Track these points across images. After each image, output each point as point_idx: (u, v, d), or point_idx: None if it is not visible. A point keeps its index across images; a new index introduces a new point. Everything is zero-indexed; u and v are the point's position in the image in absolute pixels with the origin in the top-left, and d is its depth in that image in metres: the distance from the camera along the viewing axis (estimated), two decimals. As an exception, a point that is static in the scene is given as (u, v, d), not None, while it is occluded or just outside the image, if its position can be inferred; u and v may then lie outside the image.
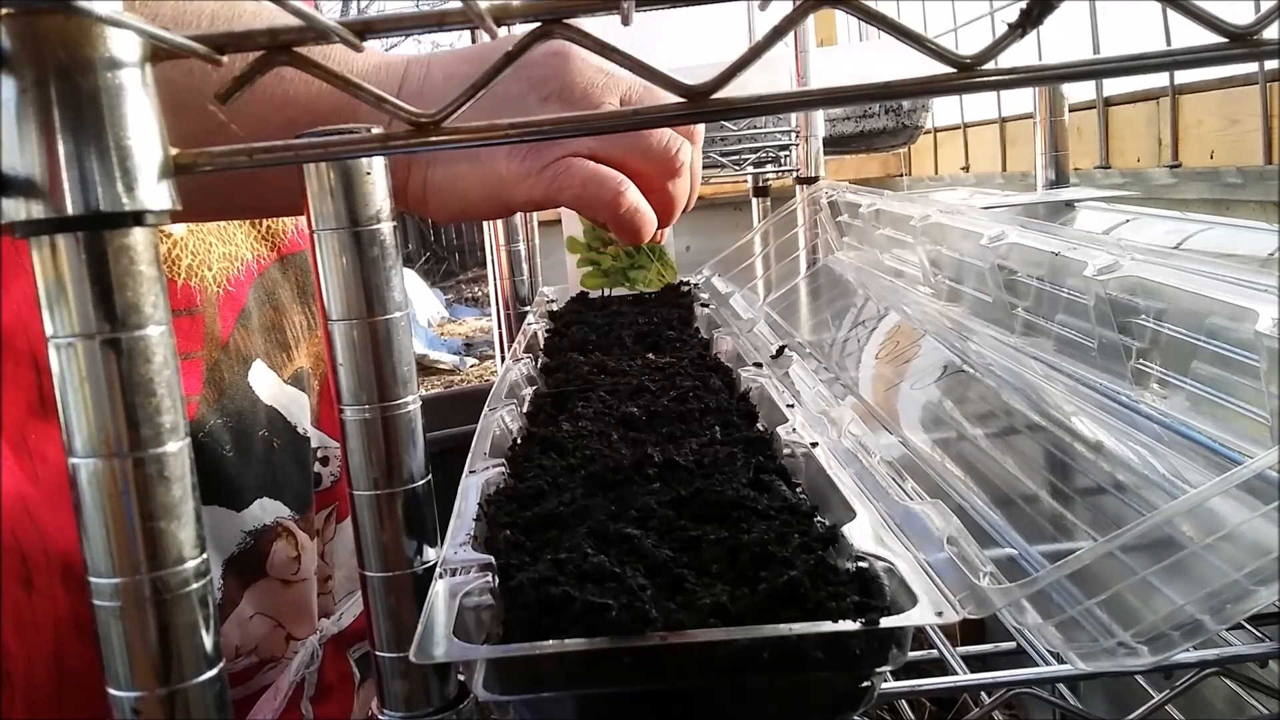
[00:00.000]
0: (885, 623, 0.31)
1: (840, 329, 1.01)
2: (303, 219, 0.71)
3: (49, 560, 0.52)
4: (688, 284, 1.00)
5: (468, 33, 1.02)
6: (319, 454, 0.72)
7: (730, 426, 0.53)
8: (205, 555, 0.27)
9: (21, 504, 0.52)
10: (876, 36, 1.97)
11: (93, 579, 0.26)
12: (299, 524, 0.67)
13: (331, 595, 0.74)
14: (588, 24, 0.26)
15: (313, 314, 0.73)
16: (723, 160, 1.44)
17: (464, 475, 0.46)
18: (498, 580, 0.36)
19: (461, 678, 0.37)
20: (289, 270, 0.71)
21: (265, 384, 0.66)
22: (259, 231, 0.68)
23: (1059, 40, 1.48)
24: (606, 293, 0.99)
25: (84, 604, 0.54)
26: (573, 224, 0.99)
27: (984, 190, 1.66)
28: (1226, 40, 0.25)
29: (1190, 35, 0.25)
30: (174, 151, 0.26)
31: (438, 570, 0.36)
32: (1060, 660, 0.38)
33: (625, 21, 0.27)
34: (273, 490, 0.65)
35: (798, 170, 1.30)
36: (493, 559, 0.36)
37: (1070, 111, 1.27)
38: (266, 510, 0.65)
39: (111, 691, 0.27)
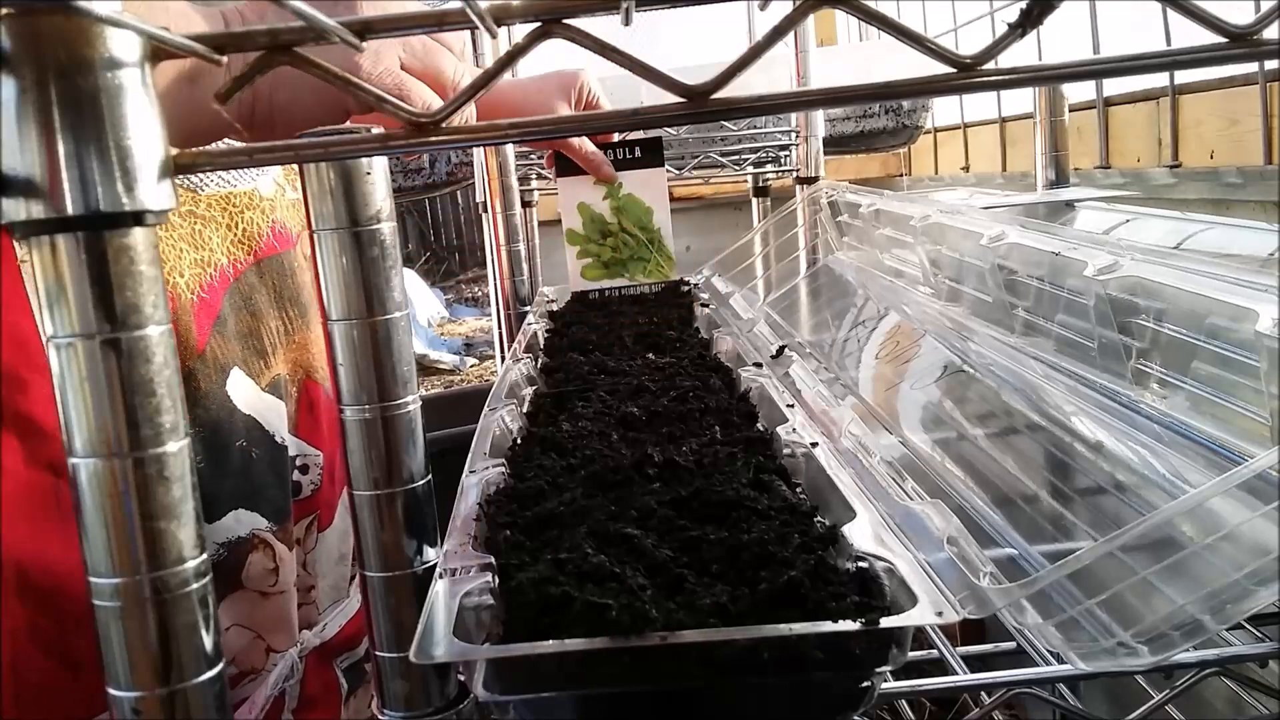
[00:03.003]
0: (885, 623, 0.31)
1: (840, 329, 1.01)
2: (278, 223, 0.71)
3: (2, 570, 0.52)
4: (688, 284, 1.00)
5: (467, 33, 1.02)
6: (298, 462, 0.71)
7: (730, 426, 0.53)
8: (205, 555, 0.27)
9: None
10: (876, 36, 1.97)
11: (93, 579, 0.26)
12: (277, 535, 0.66)
13: (315, 605, 0.73)
14: (588, 24, 0.26)
15: (290, 319, 0.71)
16: (723, 160, 1.44)
17: (464, 475, 0.46)
18: (498, 580, 0.36)
19: (461, 678, 0.37)
20: (266, 275, 0.70)
21: (243, 392, 0.65)
22: (235, 235, 0.67)
23: (1059, 40, 1.48)
24: (605, 289, 0.99)
25: (40, 614, 0.53)
26: (571, 216, 0.99)
27: (984, 190, 1.66)
28: (1226, 40, 0.25)
29: (1190, 35, 0.25)
30: (174, 151, 0.26)
31: (438, 570, 0.36)
32: (1060, 660, 0.38)
33: (625, 21, 0.27)
34: (248, 501, 0.64)
35: (798, 170, 1.30)
36: (493, 559, 0.36)
37: (1070, 111, 1.27)
38: (241, 522, 0.64)
39: (111, 691, 0.27)
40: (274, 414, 0.67)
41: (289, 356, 0.71)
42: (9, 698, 0.52)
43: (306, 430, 0.71)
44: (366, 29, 0.27)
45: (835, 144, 1.65)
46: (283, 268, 0.71)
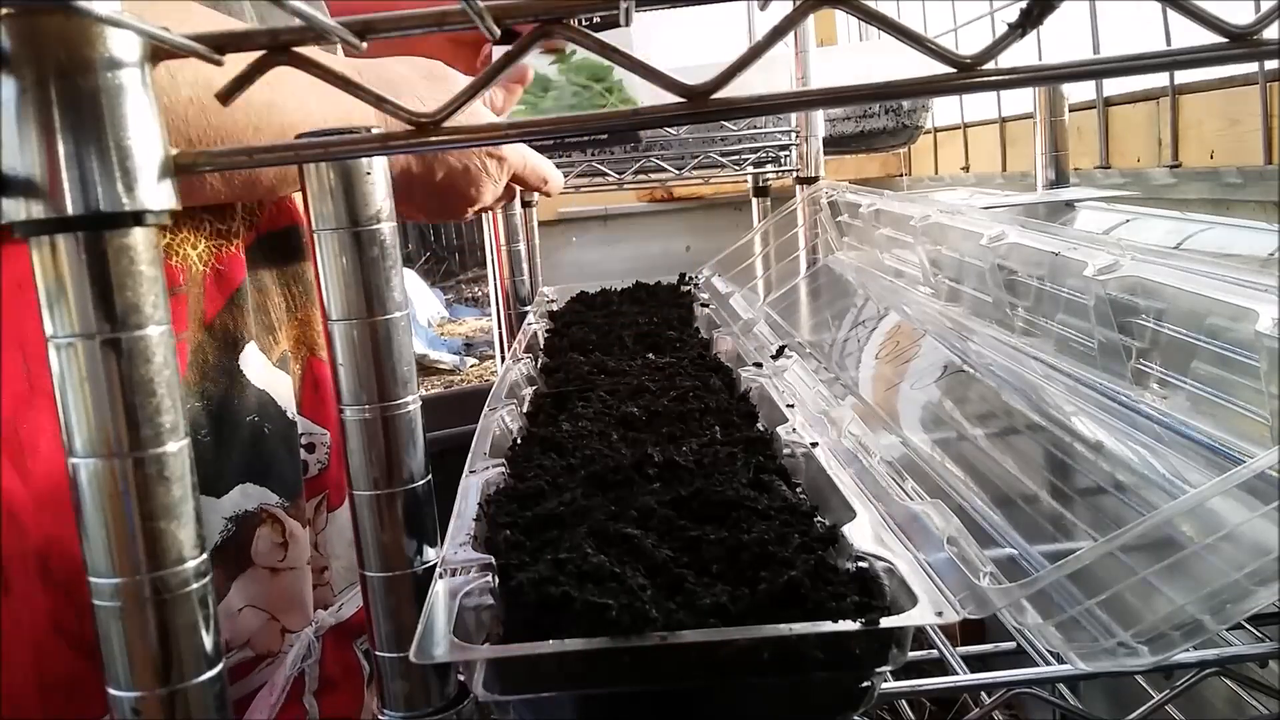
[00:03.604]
0: (885, 623, 0.31)
1: (840, 329, 1.01)
2: (287, 196, 0.70)
3: (27, 562, 0.51)
4: (688, 284, 1.00)
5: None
6: (304, 440, 0.70)
7: (730, 426, 0.53)
8: (205, 555, 0.27)
9: (5, 503, 0.50)
10: (876, 36, 1.97)
11: (93, 579, 0.26)
12: (288, 511, 0.65)
13: (330, 586, 0.73)
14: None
15: (292, 296, 0.71)
16: (723, 160, 1.44)
17: (464, 475, 0.46)
18: (498, 580, 0.36)
19: (461, 678, 0.37)
20: (266, 249, 0.69)
21: (256, 367, 0.65)
22: (244, 207, 0.66)
23: (1059, 40, 1.48)
24: (605, 287, 0.97)
25: (64, 605, 0.52)
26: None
27: (984, 190, 1.66)
28: (1226, 40, 0.25)
29: (1190, 35, 0.25)
30: (174, 151, 0.26)
31: (438, 570, 0.36)
32: (1060, 660, 0.38)
33: (625, 21, 0.27)
34: (257, 476, 0.64)
35: (798, 170, 1.30)
36: (493, 559, 0.36)
37: (1070, 111, 1.27)
38: (249, 496, 0.63)
39: (111, 691, 0.27)
40: (284, 389, 0.67)
41: (291, 333, 0.70)
42: (33, 688, 0.52)
43: (311, 409, 0.71)
44: (367, 29, 0.27)
45: (835, 144, 1.65)
46: (284, 244, 0.70)
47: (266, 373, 0.66)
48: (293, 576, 0.66)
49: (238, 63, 0.26)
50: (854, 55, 1.92)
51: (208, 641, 0.27)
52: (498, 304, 1.28)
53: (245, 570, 0.63)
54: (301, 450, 0.70)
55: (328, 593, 0.72)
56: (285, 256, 0.70)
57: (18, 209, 0.24)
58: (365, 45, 0.27)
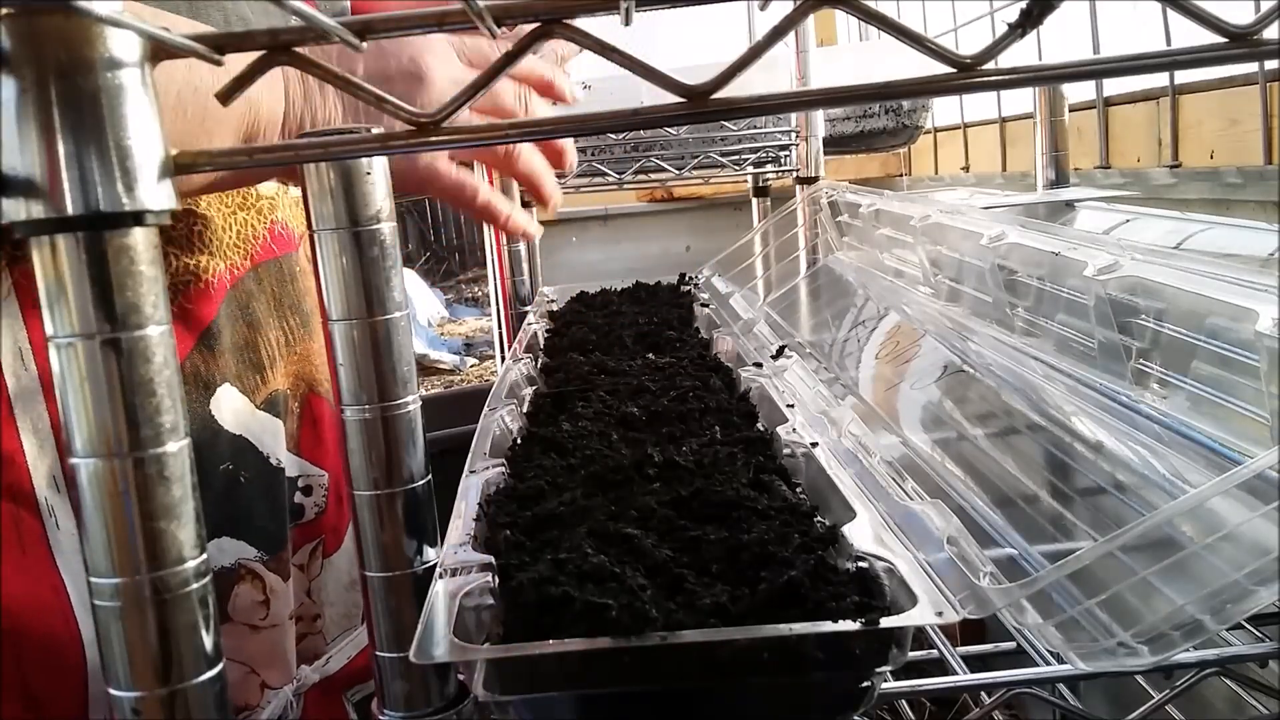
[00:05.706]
0: (885, 623, 0.31)
1: (840, 329, 1.01)
2: (279, 223, 0.67)
3: None
4: (688, 284, 1.00)
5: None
6: (300, 483, 0.66)
7: (730, 426, 0.53)
8: (205, 555, 0.27)
9: None
10: (876, 36, 1.97)
11: (93, 579, 0.26)
12: (268, 565, 0.62)
13: (322, 635, 0.69)
14: (588, 24, 0.26)
15: (291, 329, 0.66)
16: (723, 160, 1.43)
17: (464, 475, 0.46)
18: (498, 580, 0.36)
19: (461, 678, 0.37)
20: (264, 280, 0.64)
21: (232, 411, 0.61)
22: (230, 238, 0.62)
23: (1059, 40, 1.48)
24: (605, 288, 0.98)
25: (22, 668, 0.48)
26: None
27: (984, 190, 1.66)
28: (1226, 40, 0.25)
29: (1190, 35, 0.25)
30: (174, 151, 0.26)
31: (438, 570, 0.36)
32: (1060, 660, 0.38)
33: (625, 21, 0.27)
34: (234, 529, 0.60)
35: (798, 170, 1.30)
36: (493, 559, 0.36)
37: (1070, 111, 1.27)
38: (225, 551, 0.60)
39: (112, 691, 0.27)
40: (269, 433, 0.63)
41: (289, 370, 0.66)
42: None
43: (309, 449, 0.67)
44: (366, 29, 0.27)
45: (835, 144, 1.65)
46: (282, 272, 0.67)
47: (247, 416, 0.62)
48: (274, 633, 0.63)
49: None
50: (854, 55, 1.92)
51: (208, 641, 0.27)
52: (498, 304, 1.28)
53: (222, 626, 0.60)
54: (297, 493, 0.66)
55: (319, 642, 0.69)
56: (280, 286, 0.66)
57: (18, 209, 0.24)
58: (365, 45, 0.27)
